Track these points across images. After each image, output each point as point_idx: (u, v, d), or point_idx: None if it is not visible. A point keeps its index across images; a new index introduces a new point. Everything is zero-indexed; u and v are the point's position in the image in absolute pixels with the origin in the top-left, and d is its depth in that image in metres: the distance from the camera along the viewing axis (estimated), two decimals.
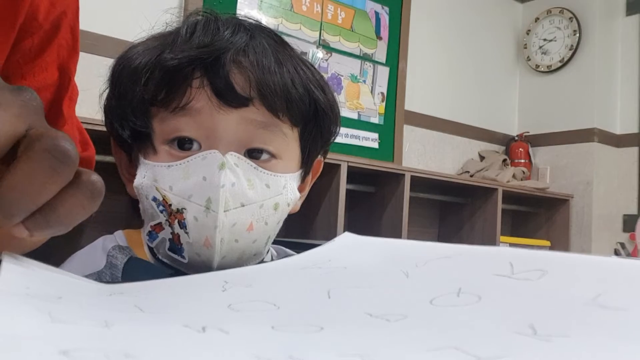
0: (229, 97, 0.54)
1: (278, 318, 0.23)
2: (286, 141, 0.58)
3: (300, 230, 2.48)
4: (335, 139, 0.66)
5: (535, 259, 0.29)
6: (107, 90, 0.60)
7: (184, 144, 0.55)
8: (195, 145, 0.55)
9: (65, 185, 0.26)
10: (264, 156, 0.57)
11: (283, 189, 0.58)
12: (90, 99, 2.64)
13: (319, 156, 0.67)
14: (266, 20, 2.64)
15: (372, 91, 3.08)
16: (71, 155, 0.25)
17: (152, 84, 0.55)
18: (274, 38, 0.60)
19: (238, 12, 2.59)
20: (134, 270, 0.56)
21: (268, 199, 0.56)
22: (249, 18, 0.61)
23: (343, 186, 2.45)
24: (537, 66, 3.75)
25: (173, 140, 0.55)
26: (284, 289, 0.29)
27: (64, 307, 0.22)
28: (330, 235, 2.42)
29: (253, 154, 0.56)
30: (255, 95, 0.55)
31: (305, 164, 0.64)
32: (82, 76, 2.48)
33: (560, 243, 3.43)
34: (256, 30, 0.59)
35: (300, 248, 0.75)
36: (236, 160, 0.54)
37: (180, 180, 0.54)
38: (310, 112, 0.60)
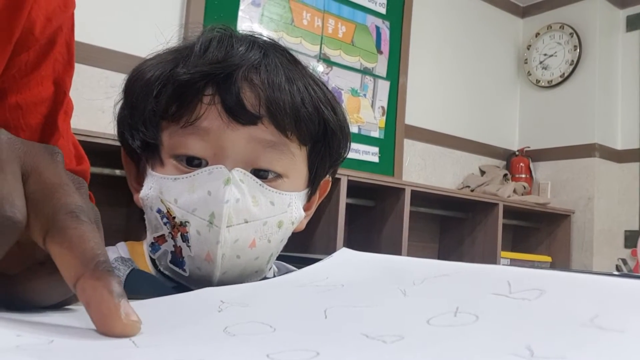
0: (238, 114, 0.54)
1: (274, 343, 0.23)
2: (293, 160, 0.58)
3: (300, 244, 2.47)
4: (344, 159, 0.66)
5: (533, 278, 0.28)
6: (121, 101, 0.61)
7: (191, 161, 0.55)
8: (202, 162, 0.55)
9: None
10: (270, 175, 0.57)
11: (288, 207, 0.58)
12: (88, 111, 2.63)
13: (327, 176, 0.67)
14: (267, 34, 2.65)
15: (372, 105, 3.08)
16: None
17: (164, 97, 0.55)
18: (287, 56, 0.60)
19: (239, 25, 2.60)
20: (136, 282, 0.56)
21: (272, 217, 0.56)
22: (263, 36, 0.62)
23: (343, 200, 2.44)
24: (538, 81, 3.76)
25: (180, 156, 0.55)
26: (281, 309, 0.29)
27: (56, 350, 0.22)
28: (329, 249, 2.41)
29: (259, 173, 0.56)
30: (265, 114, 0.55)
31: (312, 183, 0.63)
32: (80, 89, 2.47)
33: (562, 259, 3.42)
34: (270, 48, 0.59)
35: (300, 262, 0.74)
36: (242, 176, 0.54)
37: (185, 194, 0.54)
38: (319, 131, 0.60)
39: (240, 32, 0.61)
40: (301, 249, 2.46)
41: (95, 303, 0.25)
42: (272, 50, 0.59)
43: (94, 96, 2.21)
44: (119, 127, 0.61)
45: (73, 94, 0.58)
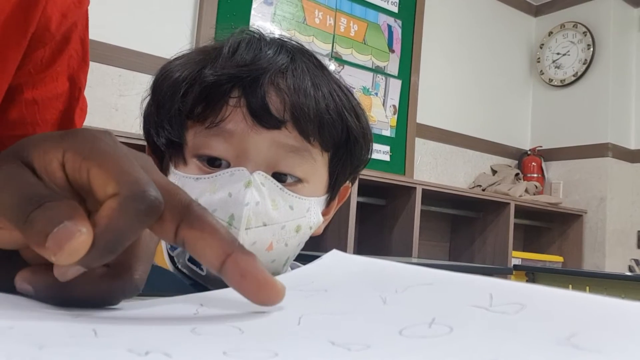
0: (263, 118, 0.55)
1: (236, 343, 0.23)
2: (315, 166, 0.59)
3: (311, 243, 2.45)
4: (364, 166, 0.66)
5: (515, 292, 0.28)
6: (148, 98, 0.61)
7: (213, 162, 0.56)
8: (224, 164, 0.56)
9: None
10: (290, 179, 0.58)
11: (307, 212, 0.59)
12: (102, 109, 2.65)
13: (347, 182, 0.67)
14: (279, 32, 2.65)
15: (384, 104, 3.08)
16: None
17: (191, 97, 0.56)
18: (314, 62, 0.60)
19: (251, 24, 2.61)
20: (154, 277, 0.57)
21: (290, 221, 0.57)
22: (292, 40, 0.62)
23: (354, 199, 2.44)
24: (551, 80, 3.74)
25: (203, 156, 0.56)
26: (256, 314, 0.29)
27: (16, 335, 0.22)
28: (340, 248, 2.40)
29: (280, 177, 0.57)
30: (289, 119, 0.56)
31: (332, 189, 0.64)
32: (94, 87, 2.49)
33: (574, 259, 3.40)
34: (297, 52, 0.60)
35: (310, 261, 0.74)
36: (263, 179, 0.54)
37: (206, 194, 0.54)
38: (342, 138, 0.60)
39: (270, 35, 0.62)
40: (312, 247, 2.46)
41: (251, 274, 0.28)
42: (300, 55, 0.60)
43: (107, 94, 2.23)
44: (145, 124, 0.62)
45: (86, 91, 0.59)
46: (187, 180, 0.56)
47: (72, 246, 0.24)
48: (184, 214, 0.28)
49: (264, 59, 0.56)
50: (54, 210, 0.25)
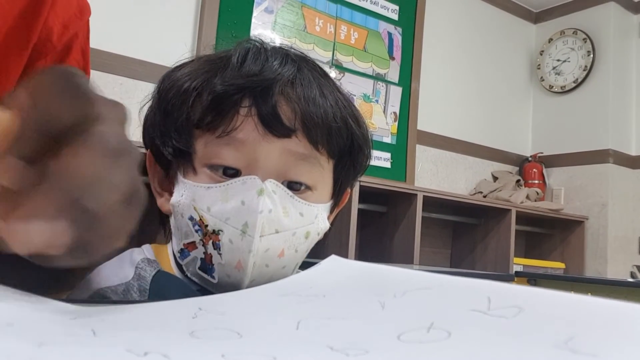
0: (274, 127, 0.56)
1: (234, 347, 0.23)
2: (322, 173, 0.60)
3: (312, 250, 2.46)
4: (364, 172, 0.68)
5: (513, 295, 0.28)
6: (149, 107, 0.62)
7: (225, 171, 0.57)
8: (236, 172, 0.57)
9: None
10: (300, 187, 0.59)
11: (315, 219, 0.60)
12: None
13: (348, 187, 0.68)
14: (280, 40, 2.66)
15: (384, 111, 3.08)
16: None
17: (200, 106, 0.57)
18: (318, 71, 0.62)
19: (252, 32, 2.62)
20: (161, 283, 0.57)
21: (301, 227, 0.58)
22: (293, 48, 0.63)
23: (355, 206, 2.44)
24: (551, 87, 3.74)
25: (215, 166, 0.57)
26: (255, 318, 0.29)
27: (17, 333, 0.22)
28: (342, 255, 2.40)
29: (290, 185, 0.58)
30: (299, 127, 0.57)
31: (337, 195, 0.65)
32: None
33: (575, 265, 3.39)
34: (302, 62, 0.61)
35: (309, 267, 0.75)
36: (274, 187, 0.55)
37: (218, 203, 0.55)
38: (346, 145, 0.62)
39: (271, 44, 0.63)
40: (313, 254, 2.45)
41: None
42: (305, 64, 0.61)
43: None
44: (148, 132, 0.62)
45: None
46: (197, 189, 0.56)
47: None
48: None
49: (271, 69, 0.57)
50: None
